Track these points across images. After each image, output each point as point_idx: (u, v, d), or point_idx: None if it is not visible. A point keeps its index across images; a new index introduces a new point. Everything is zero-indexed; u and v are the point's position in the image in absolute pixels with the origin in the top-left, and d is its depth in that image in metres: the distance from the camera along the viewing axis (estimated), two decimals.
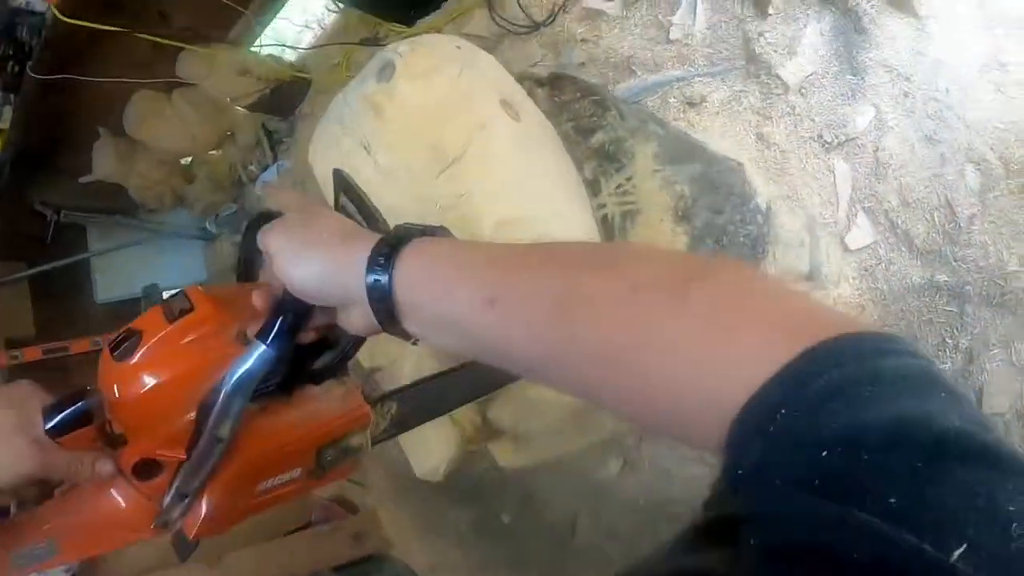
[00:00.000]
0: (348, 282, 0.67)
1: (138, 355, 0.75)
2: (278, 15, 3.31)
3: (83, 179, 3.46)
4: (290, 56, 3.39)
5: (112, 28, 2.58)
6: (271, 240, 0.73)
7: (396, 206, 1.22)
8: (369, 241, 0.68)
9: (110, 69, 3.00)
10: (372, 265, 0.66)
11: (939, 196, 1.73)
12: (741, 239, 1.54)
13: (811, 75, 1.92)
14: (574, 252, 0.67)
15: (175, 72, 3.15)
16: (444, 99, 1.23)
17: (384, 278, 0.65)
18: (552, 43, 2.39)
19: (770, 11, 1.97)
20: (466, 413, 1.36)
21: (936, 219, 1.73)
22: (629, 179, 1.38)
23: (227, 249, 3.62)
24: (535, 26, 2.41)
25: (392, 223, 0.93)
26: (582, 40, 2.32)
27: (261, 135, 3.51)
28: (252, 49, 3.30)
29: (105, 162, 3.42)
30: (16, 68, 2.99)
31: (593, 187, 1.36)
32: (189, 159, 3.68)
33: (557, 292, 0.57)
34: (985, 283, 1.68)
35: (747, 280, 0.53)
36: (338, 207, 0.88)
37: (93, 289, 3.63)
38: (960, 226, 1.70)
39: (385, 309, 0.66)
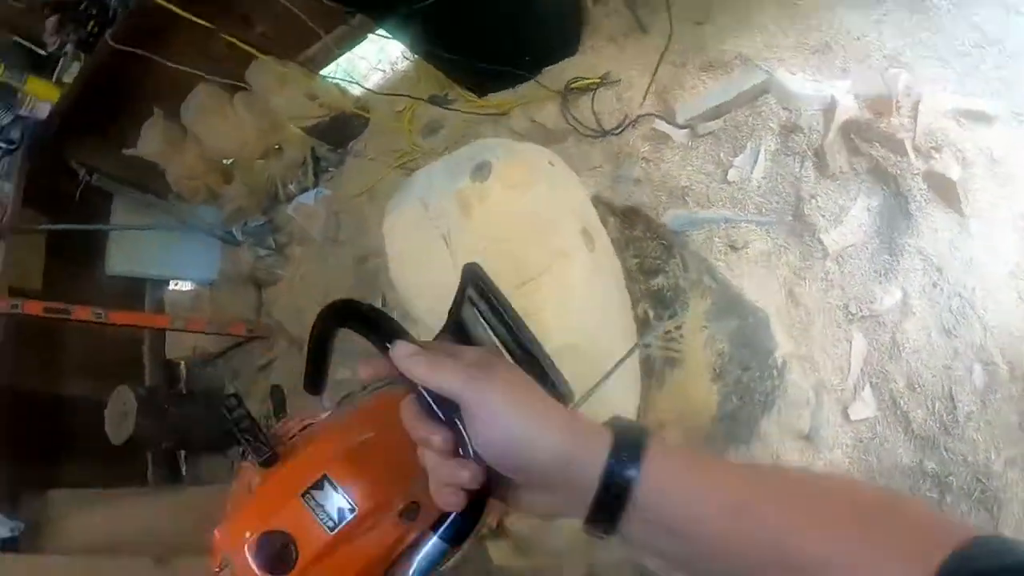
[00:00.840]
0: (581, 469, 0.65)
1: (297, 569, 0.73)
2: (354, 49, 3.43)
3: (127, 151, 3.53)
4: (355, 91, 3.51)
5: (197, 20, 2.68)
6: (480, 394, 0.67)
7: None
8: (601, 430, 0.68)
9: (183, 55, 3.10)
10: (617, 456, 0.65)
11: (944, 387, 1.83)
12: (757, 396, 1.64)
13: (851, 246, 2.04)
14: (799, 478, 0.74)
15: (244, 76, 3.25)
16: (532, 215, 1.33)
17: (633, 472, 0.64)
18: (614, 153, 2.50)
19: (826, 177, 2.10)
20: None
21: (936, 408, 1.84)
22: (678, 328, 1.49)
23: (246, 258, 3.68)
24: (602, 133, 2.54)
25: None
26: (643, 158, 2.44)
27: (308, 158, 3.60)
28: (322, 74, 3.41)
29: (152, 141, 3.50)
30: (95, 29, 3.10)
31: (643, 326, 1.46)
32: (231, 160, 3.75)
33: (790, 513, 0.64)
34: (969, 478, 1.78)
35: (913, 505, 0.67)
36: (462, 300, 0.85)
37: (106, 259, 3.65)
38: (957, 420, 1.81)
39: (616, 503, 0.65)
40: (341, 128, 3.47)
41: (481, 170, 1.37)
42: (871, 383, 1.93)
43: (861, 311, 1.98)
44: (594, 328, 1.34)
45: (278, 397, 3.43)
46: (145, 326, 3.35)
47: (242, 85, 3.29)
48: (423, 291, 1.40)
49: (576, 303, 1.31)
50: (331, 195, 3.52)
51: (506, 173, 1.34)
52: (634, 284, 1.50)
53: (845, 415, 1.94)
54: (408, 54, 3.26)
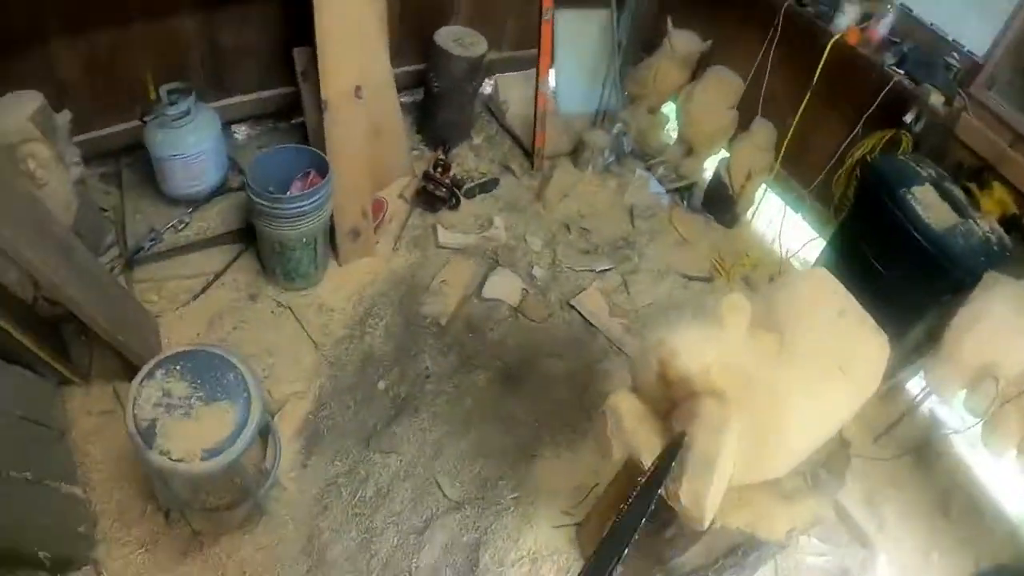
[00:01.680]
0: None
1: None
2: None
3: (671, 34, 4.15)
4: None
5: None
6: None
7: None
8: None
9: None
10: None
11: None
12: None
13: None
14: None
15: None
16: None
17: None
18: None
19: None
20: None
21: None
22: None
23: (597, 135, 4.17)
24: None
25: None
26: None
27: (680, 192, 4.26)
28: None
29: (681, 45, 4.12)
30: None
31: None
32: (678, 105, 4.34)
33: None
34: None
35: None
36: None
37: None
38: None
39: None
40: (723, 201, 4.07)
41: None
42: None
43: None
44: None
45: (490, 184, 3.86)
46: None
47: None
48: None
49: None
50: (661, 208, 4.14)
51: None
52: None
53: None
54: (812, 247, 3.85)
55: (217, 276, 3.17)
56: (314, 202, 2.91)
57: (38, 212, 2.41)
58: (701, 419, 1.78)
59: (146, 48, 3.13)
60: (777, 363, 1.90)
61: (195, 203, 3.38)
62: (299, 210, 2.88)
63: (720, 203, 4.09)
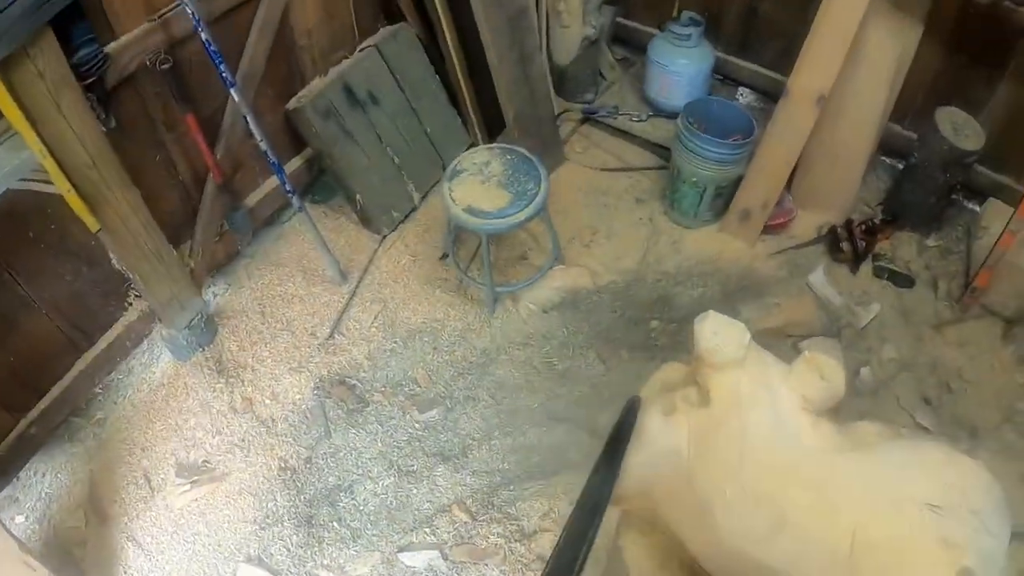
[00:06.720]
0: None
1: None
2: None
3: None
4: None
5: None
6: None
7: None
8: None
9: None
10: None
11: None
12: None
13: None
14: None
15: None
16: None
17: None
18: None
19: None
20: None
21: None
22: None
23: None
24: None
25: None
26: None
27: None
28: None
29: None
30: None
31: None
32: None
33: None
34: None
35: None
36: None
37: None
38: None
39: None
40: None
41: None
42: None
43: None
44: None
45: (902, 281, 3.57)
46: None
47: None
48: None
49: None
50: None
51: None
52: None
53: None
54: None
55: (627, 168, 3.95)
56: (718, 153, 3.38)
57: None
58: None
59: None
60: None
61: (660, 112, 4.22)
62: (701, 149, 3.39)
63: None
